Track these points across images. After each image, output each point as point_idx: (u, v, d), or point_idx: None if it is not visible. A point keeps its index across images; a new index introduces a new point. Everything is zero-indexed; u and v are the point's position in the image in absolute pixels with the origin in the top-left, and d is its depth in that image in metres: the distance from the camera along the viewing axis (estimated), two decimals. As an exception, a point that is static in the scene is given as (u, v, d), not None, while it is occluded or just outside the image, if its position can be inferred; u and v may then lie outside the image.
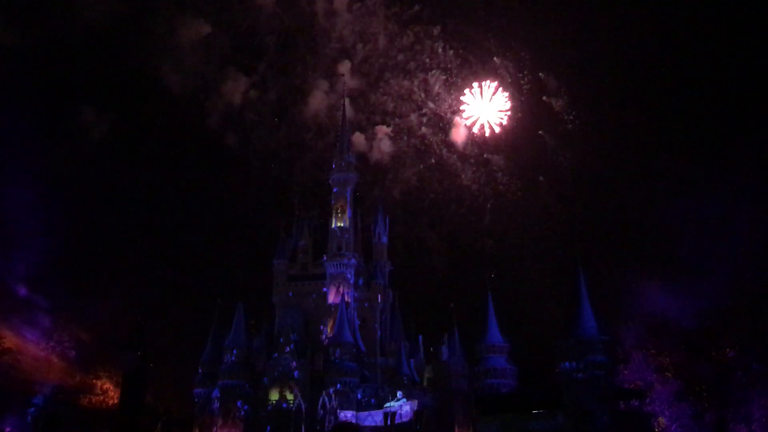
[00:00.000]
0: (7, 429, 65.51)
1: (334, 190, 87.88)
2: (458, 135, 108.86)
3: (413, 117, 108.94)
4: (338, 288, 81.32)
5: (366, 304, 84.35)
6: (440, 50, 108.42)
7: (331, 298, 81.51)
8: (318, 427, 72.32)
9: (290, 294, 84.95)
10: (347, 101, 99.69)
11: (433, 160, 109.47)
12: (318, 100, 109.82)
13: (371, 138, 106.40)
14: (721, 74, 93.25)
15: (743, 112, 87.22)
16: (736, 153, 78.43)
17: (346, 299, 78.94)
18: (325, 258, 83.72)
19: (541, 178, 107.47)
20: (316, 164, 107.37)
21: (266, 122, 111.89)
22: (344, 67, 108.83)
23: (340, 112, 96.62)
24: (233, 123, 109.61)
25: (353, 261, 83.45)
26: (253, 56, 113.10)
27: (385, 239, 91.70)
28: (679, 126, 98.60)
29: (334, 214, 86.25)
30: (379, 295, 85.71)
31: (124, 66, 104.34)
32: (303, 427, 72.83)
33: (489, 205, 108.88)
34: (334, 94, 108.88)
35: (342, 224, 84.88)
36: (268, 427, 73.68)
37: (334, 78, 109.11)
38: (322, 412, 72.59)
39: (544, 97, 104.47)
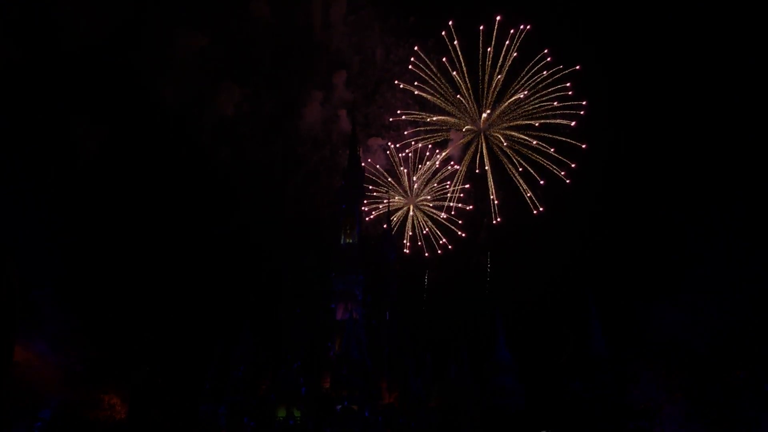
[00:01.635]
0: None
1: (343, 206, 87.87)
2: (453, 148, 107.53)
3: (409, 130, 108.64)
4: (346, 304, 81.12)
5: (373, 321, 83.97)
6: (435, 62, 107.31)
7: (339, 314, 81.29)
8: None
9: (297, 310, 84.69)
10: (344, 113, 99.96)
11: (429, 173, 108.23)
12: (313, 113, 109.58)
13: (366, 150, 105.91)
14: (733, 91, 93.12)
15: (756, 127, 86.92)
16: (748, 171, 78.03)
17: (353, 316, 78.72)
18: (333, 274, 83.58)
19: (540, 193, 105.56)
20: (311, 178, 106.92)
21: (260, 135, 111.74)
22: (340, 78, 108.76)
23: (337, 125, 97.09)
24: (227, 136, 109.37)
25: (361, 277, 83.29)
26: (249, 68, 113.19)
27: (393, 255, 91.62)
28: (689, 140, 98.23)
29: (342, 230, 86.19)
30: (387, 312, 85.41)
31: (117, 77, 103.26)
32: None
33: (485, 221, 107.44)
34: (329, 106, 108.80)
35: (350, 240, 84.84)
36: (275, 445, 73.51)
37: (329, 90, 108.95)
38: (329, 429, 72.26)
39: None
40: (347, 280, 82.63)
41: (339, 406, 72.61)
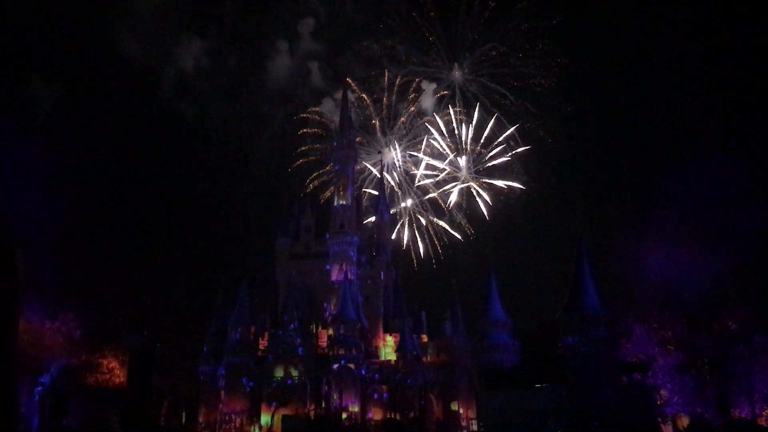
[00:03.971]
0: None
1: (336, 168, 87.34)
2: (429, 102, 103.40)
3: (382, 82, 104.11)
4: (341, 266, 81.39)
5: (369, 282, 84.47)
6: (404, 12, 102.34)
7: (334, 275, 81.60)
8: (323, 403, 73.01)
9: (293, 272, 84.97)
10: (315, 66, 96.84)
11: (404, 131, 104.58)
12: (278, 67, 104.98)
13: (338, 105, 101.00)
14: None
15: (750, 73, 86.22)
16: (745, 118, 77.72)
17: (349, 277, 79.10)
18: (327, 236, 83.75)
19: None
20: (279, 136, 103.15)
21: (224, 90, 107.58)
22: (306, 27, 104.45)
23: (305, 79, 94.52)
24: (190, 92, 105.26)
25: (356, 239, 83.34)
26: (213, 20, 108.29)
27: (387, 217, 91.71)
28: (676, 90, 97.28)
29: (335, 192, 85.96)
30: (382, 273, 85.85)
31: (75, 31, 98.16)
32: (308, 403, 73.58)
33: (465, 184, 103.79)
34: (296, 58, 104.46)
35: (344, 202, 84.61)
36: (274, 404, 74.45)
37: (295, 41, 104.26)
38: (326, 388, 73.22)
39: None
40: (342, 241, 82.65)
41: (336, 365, 73.42)
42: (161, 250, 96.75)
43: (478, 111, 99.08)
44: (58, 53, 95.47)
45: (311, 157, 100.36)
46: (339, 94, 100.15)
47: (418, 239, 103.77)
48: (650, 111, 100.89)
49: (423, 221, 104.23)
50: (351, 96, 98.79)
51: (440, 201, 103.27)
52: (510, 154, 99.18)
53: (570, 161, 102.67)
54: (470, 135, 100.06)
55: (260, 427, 73.38)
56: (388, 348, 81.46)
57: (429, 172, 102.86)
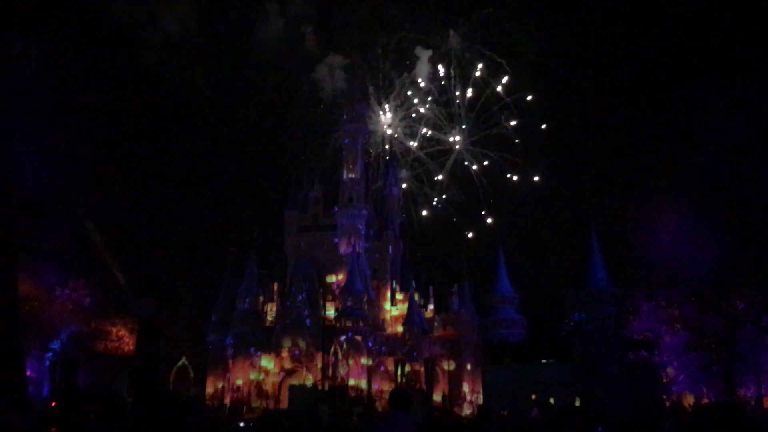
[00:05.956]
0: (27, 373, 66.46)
1: (345, 141, 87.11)
2: (424, 70, 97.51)
3: (375, 49, 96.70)
4: (349, 239, 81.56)
5: (377, 255, 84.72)
6: None
7: (343, 248, 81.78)
8: (330, 374, 73.59)
9: (302, 244, 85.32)
10: (309, 30, 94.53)
11: (400, 101, 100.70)
12: (268, 30, 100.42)
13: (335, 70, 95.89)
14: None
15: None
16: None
17: (357, 250, 79.29)
18: (336, 209, 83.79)
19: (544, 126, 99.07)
20: (267, 106, 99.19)
21: (213, 57, 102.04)
22: None
23: (298, 44, 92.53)
24: (177, 57, 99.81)
25: (364, 212, 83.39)
26: None
27: (395, 191, 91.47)
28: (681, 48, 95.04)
29: (345, 165, 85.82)
30: (390, 246, 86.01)
31: None
32: (315, 374, 74.17)
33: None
34: (286, 22, 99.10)
35: (353, 175, 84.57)
36: (281, 374, 75.17)
37: (285, 2, 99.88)
38: (333, 359, 73.76)
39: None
40: (350, 214, 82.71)
41: (343, 337, 73.90)
42: (171, 219, 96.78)
43: (475, 77, 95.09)
44: (39, 14, 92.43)
45: (302, 130, 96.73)
46: (332, 60, 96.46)
47: (421, 212, 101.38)
48: (652, 75, 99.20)
49: (420, 194, 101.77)
50: (342, 62, 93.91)
51: (435, 173, 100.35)
52: (508, 126, 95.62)
53: (576, 136, 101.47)
54: (466, 104, 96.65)
55: (267, 396, 74.09)
56: (396, 308, 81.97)
57: (425, 144, 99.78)
